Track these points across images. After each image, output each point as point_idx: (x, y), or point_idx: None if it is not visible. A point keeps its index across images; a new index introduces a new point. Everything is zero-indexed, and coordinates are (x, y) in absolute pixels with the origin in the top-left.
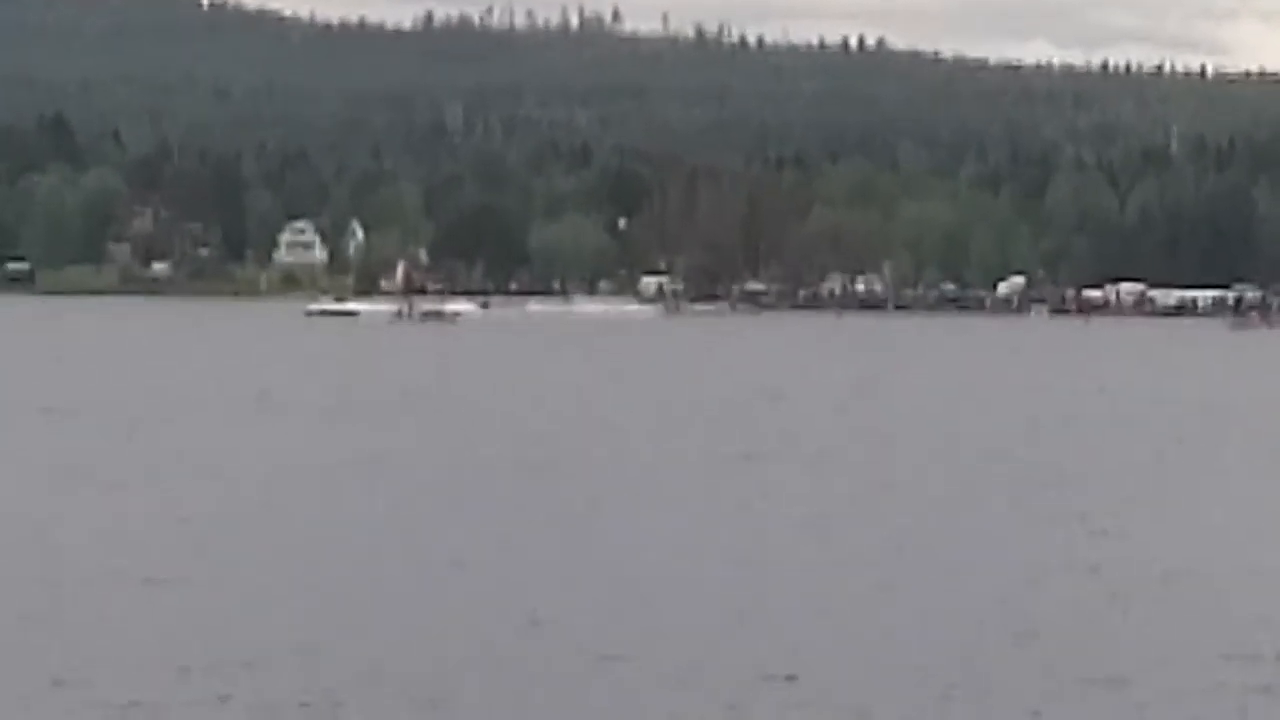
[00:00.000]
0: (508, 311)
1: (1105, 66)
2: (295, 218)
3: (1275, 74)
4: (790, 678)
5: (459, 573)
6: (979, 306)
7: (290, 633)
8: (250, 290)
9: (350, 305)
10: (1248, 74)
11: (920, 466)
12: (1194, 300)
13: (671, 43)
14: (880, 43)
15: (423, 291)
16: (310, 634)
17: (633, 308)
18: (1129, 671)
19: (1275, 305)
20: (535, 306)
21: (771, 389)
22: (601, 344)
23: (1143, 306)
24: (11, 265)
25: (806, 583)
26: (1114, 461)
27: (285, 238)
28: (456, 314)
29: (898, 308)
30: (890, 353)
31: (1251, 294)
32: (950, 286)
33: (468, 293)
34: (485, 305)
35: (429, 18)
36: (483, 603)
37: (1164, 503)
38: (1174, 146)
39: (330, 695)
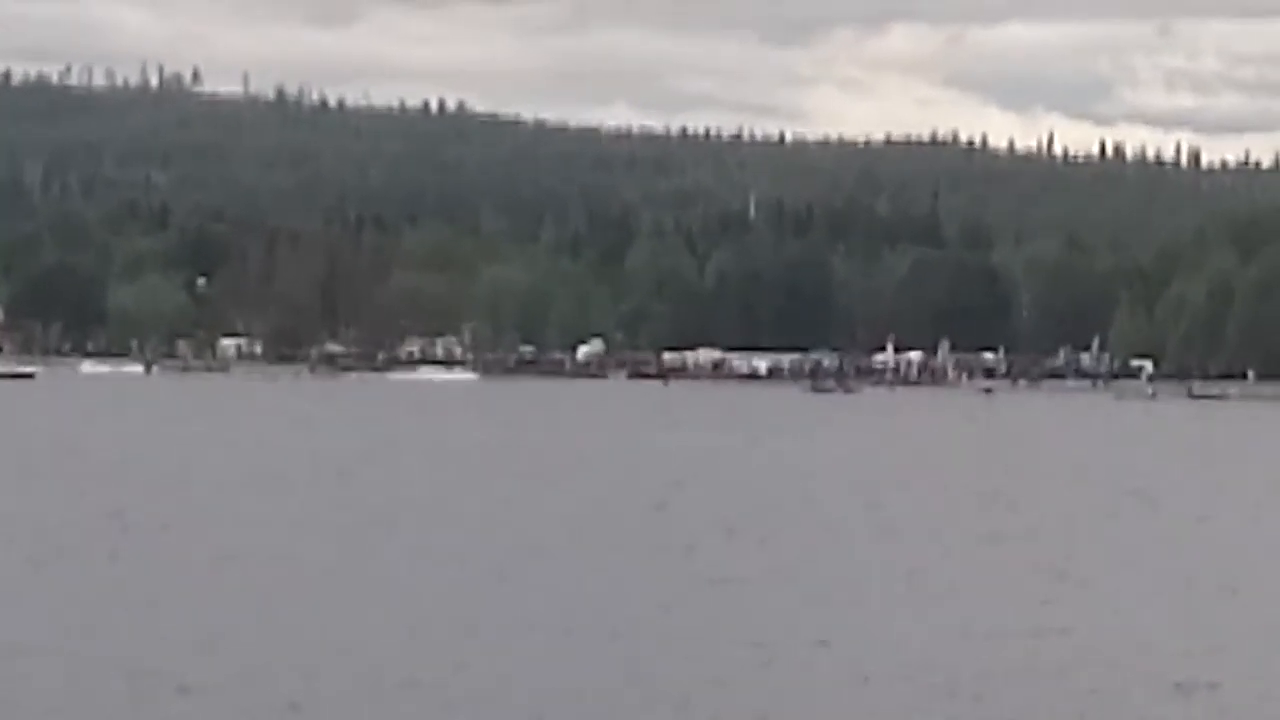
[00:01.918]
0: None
1: (684, 132)
2: None
3: (853, 141)
4: None
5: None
6: (558, 369)
7: None
8: None
9: None
10: (826, 141)
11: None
12: (772, 365)
13: (251, 104)
14: (461, 106)
15: None
16: None
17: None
18: None
19: (852, 371)
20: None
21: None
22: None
23: (721, 370)
24: None
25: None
26: (730, 524)
27: None
28: (32, 374)
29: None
30: (477, 416)
31: (829, 360)
32: (529, 349)
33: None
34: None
35: (6, 75)
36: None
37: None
38: (752, 212)
39: None
